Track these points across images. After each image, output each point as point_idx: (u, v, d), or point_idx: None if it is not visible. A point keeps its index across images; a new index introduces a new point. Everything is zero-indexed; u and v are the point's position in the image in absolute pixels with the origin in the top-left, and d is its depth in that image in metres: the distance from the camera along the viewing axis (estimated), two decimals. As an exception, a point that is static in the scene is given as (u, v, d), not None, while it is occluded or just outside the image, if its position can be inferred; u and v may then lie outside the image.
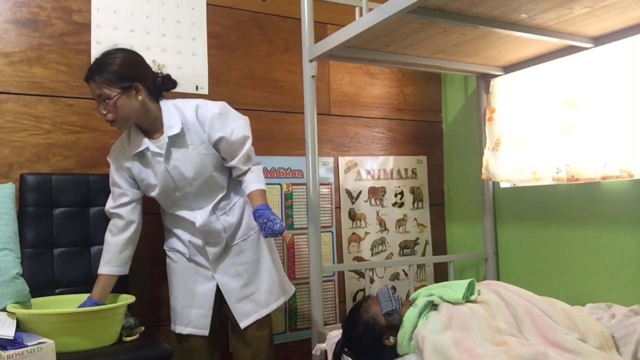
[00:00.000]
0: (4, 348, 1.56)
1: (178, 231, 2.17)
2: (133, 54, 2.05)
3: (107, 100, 1.93)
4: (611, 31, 2.16)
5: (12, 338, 1.60)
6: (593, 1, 1.84)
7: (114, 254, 2.07)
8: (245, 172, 2.14)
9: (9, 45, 2.25)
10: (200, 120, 2.06)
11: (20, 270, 1.93)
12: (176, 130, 2.02)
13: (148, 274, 2.43)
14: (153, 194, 2.11)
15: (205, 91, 2.62)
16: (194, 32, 2.62)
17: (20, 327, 1.77)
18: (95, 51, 2.39)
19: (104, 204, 2.28)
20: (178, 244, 2.18)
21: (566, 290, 2.46)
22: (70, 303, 2.04)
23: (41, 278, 2.10)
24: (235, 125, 2.09)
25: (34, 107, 2.28)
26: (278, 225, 1.96)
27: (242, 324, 2.13)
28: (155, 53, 2.52)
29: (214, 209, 2.12)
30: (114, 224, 2.10)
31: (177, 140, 2.04)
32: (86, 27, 2.39)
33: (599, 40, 2.23)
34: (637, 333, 1.65)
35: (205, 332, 2.13)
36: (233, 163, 2.11)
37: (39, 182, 2.19)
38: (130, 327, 2.02)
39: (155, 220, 2.30)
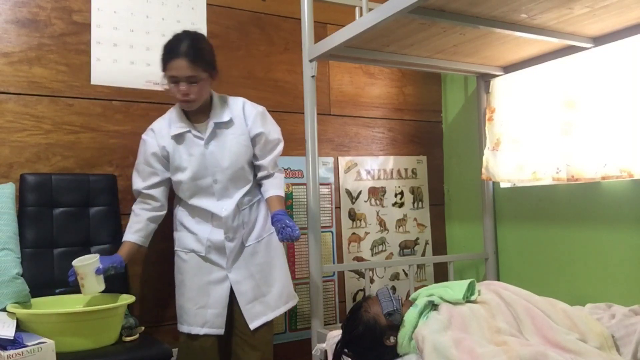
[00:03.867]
0: (4, 348, 1.56)
1: (196, 228, 2.16)
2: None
3: (194, 82, 2.01)
4: (611, 31, 2.16)
5: (12, 338, 1.60)
6: (593, 1, 1.84)
7: (144, 225, 2.15)
8: (268, 176, 2.21)
9: (9, 45, 2.25)
10: (245, 114, 2.19)
11: (20, 270, 1.93)
12: (225, 118, 2.14)
13: (148, 273, 2.43)
14: (182, 177, 2.12)
15: (205, 91, 2.61)
16: (194, 32, 2.62)
17: (20, 327, 1.77)
18: (96, 51, 2.40)
19: (103, 204, 2.29)
20: (193, 243, 2.16)
21: (566, 290, 2.46)
22: (70, 303, 2.04)
23: (41, 278, 2.10)
24: (273, 128, 2.23)
25: (34, 107, 2.28)
26: (297, 232, 2.03)
27: (252, 325, 2.13)
28: (155, 53, 2.50)
29: (239, 202, 2.15)
30: (148, 203, 2.16)
31: (221, 128, 2.14)
32: (86, 27, 2.39)
33: (599, 40, 2.23)
34: (637, 333, 1.64)
35: (221, 331, 2.13)
36: (263, 162, 2.20)
37: (39, 182, 2.19)
38: (130, 327, 2.02)
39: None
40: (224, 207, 2.13)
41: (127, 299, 2.03)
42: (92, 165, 2.37)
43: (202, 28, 2.63)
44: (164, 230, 2.44)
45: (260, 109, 2.23)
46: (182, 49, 2.01)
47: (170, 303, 2.45)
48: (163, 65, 2.05)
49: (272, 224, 2.10)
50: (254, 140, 2.18)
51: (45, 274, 2.12)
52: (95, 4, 2.41)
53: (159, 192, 2.16)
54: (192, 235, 2.17)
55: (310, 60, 2.38)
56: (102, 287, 1.96)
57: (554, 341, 1.61)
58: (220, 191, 2.14)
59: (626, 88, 2.13)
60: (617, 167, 2.13)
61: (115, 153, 2.41)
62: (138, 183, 2.16)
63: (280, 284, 2.21)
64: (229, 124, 2.15)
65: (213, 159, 2.12)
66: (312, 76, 2.39)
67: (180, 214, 2.21)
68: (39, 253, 2.13)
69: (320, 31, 2.78)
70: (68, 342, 1.79)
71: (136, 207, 2.17)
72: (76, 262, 1.93)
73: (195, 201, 2.15)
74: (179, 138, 2.12)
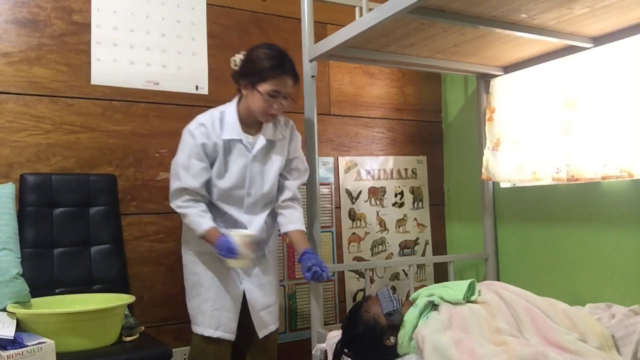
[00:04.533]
0: (4, 348, 1.56)
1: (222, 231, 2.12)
2: None
3: (287, 99, 2.05)
4: (611, 31, 2.16)
5: (12, 338, 1.60)
6: (593, 1, 1.84)
7: (208, 212, 2.08)
8: (290, 204, 2.20)
9: (9, 45, 2.25)
10: (290, 137, 2.21)
11: (20, 270, 1.93)
12: (278, 137, 2.16)
13: (148, 274, 2.43)
14: (218, 182, 2.09)
15: (205, 91, 2.62)
16: (194, 32, 2.62)
17: (20, 327, 1.77)
18: (96, 51, 2.40)
19: (103, 204, 2.29)
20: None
21: (566, 290, 2.46)
22: (70, 303, 2.04)
23: (41, 278, 2.10)
24: (304, 157, 2.29)
25: (34, 107, 2.28)
26: (327, 274, 2.05)
27: (261, 334, 2.14)
28: (155, 53, 2.52)
29: (265, 221, 2.16)
30: (198, 199, 2.05)
31: (271, 145, 2.14)
32: (86, 27, 2.39)
33: (599, 40, 2.23)
34: (637, 333, 1.64)
35: (232, 337, 2.10)
36: (290, 184, 2.21)
37: (39, 182, 2.19)
38: (130, 327, 2.02)
39: (157, 221, 2.30)
40: (254, 221, 2.12)
41: (127, 299, 2.03)
42: (92, 165, 2.37)
43: (202, 28, 2.63)
44: (165, 231, 2.45)
45: (301, 137, 2.28)
46: (288, 66, 2.02)
47: (170, 303, 2.45)
48: (264, 77, 2.00)
49: (302, 261, 2.07)
50: (288, 161, 2.20)
51: (45, 274, 2.12)
52: (95, 4, 2.41)
53: (206, 189, 2.10)
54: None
55: (310, 60, 2.38)
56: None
57: (554, 341, 1.61)
58: (250, 205, 2.13)
59: (626, 88, 2.13)
60: (617, 167, 2.13)
61: (115, 153, 2.42)
62: (189, 180, 2.02)
63: (278, 298, 2.27)
64: (277, 143, 2.16)
65: (254, 175, 2.10)
66: (312, 76, 2.39)
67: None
68: (39, 253, 2.13)
69: (320, 31, 2.77)
70: (68, 342, 1.79)
71: (189, 202, 2.03)
72: (248, 232, 2.00)
73: (223, 205, 2.12)
74: (229, 143, 2.08)
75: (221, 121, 2.09)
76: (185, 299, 2.18)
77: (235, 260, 1.96)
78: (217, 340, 2.10)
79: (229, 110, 2.11)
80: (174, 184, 2.05)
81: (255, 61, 2.03)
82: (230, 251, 1.94)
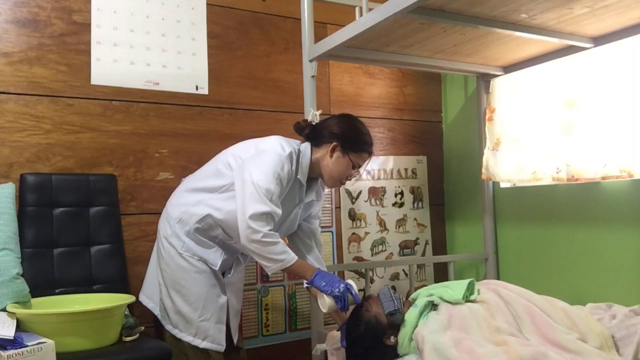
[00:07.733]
0: (4, 348, 1.56)
1: (229, 247, 2.11)
2: None
3: (357, 172, 2.12)
4: (611, 31, 2.16)
5: (12, 338, 1.60)
6: (593, 1, 1.85)
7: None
8: (317, 242, 2.23)
9: (9, 45, 2.25)
10: (321, 193, 2.26)
11: (20, 270, 1.93)
12: (321, 195, 2.23)
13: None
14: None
15: (205, 91, 2.62)
16: (194, 32, 2.62)
17: (20, 327, 1.77)
18: (96, 51, 2.39)
19: (103, 204, 2.29)
20: (211, 254, 2.08)
21: (566, 290, 2.46)
22: (70, 303, 2.04)
23: (41, 278, 2.10)
24: None
25: (34, 107, 2.28)
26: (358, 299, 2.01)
27: (235, 339, 2.16)
28: (155, 53, 2.52)
29: None
30: (270, 224, 1.95)
31: (314, 199, 2.19)
32: (86, 27, 2.39)
33: (599, 40, 2.23)
34: (638, 334, 1.64)
35: (222, 348, 2.07)
36: (318, 230, 2.26)
37: (39, 182, 2.19)
38: (130, 327, 2.01)
39: (157, 221, 2.28)
40: None
41: (127, 299, 2.03)
42: (92, 165, 2.36)
43: (202, 28, 2.63)
44: (164, 230, 2.43)
45: None
46: (373, 146, 2.11)
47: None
48: (360, 149, 2.05)
49: (338, 282, 1.95)
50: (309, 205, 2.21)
51: (45, 274, 2.12)
52: (95, 4, 2.41)
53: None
54: (218, 250, 2.09)
55: (310, 60, 2.38)
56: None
57: (554, 340, 1.61)
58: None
59: (626, 88, 2.13)
60: (617, 167, 2.13)
61: (115, 153, 2.41)
62: (275, 208, 1.92)
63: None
64: (315, 202, 2.22)
65: (292, 219, 2.12)
66: (312, 76, 2.39)
67: (217, 234, 2.10)
68: (39, 253, 2.13)
69: (320, 31, 2.77)
70: (68, 342, 1.79)
71: (270, 230, 1.92)
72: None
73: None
74: (294, 183, 2.05)
75: (293, 161, 2.03)
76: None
77: (331, 302, 1.89)
78: (209, 350, 2.06)
79: (306, 154, 2.06)
80: (260, 207, 1.88)
81: (360, 133, 2.08)
82: (343, 293, 1.88)
